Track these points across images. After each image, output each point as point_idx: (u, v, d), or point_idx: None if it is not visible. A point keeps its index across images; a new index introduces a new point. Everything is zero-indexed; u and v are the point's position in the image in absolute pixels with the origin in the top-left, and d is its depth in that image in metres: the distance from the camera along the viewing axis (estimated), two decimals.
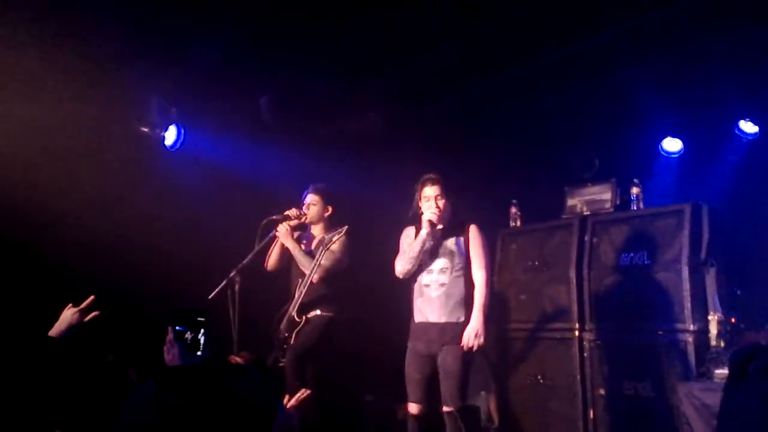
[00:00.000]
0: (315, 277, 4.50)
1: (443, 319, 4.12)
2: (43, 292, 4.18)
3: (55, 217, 4.31)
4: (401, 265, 4.19)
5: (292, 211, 4.65)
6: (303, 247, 4.77)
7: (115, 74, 4.64)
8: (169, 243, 4.76)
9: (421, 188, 4.28)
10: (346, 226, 4.50)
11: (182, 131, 5.23)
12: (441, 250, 4.20)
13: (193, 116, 5.32)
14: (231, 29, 4.69)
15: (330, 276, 4.63)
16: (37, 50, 4.16)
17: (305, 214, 4.70)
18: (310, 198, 4.78)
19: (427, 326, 4.16)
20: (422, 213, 4.21)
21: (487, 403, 5.84)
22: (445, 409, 4.00)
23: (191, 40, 4.75)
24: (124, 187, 4.67)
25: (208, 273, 4.48)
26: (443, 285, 4.15)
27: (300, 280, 4.61)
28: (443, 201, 4.23)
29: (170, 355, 2.16)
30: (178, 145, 5.21)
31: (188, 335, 2.21)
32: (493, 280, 5.83)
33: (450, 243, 4.21)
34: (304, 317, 4.58)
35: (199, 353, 2.20)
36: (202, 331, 2.26)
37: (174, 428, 1.63)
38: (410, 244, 4.22)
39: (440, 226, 4.20)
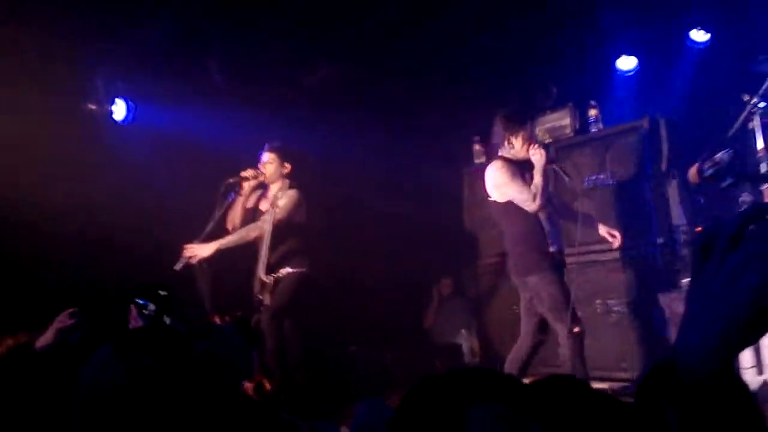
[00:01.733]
0: (270, 235, 4.47)
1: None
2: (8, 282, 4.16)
3: (7, 208, 4.23)
4: (539, 198, 4.09)
5: (249, 172, 4.61)
6: (261, 203, 4.75)
7: (58, 52, 4.54)
8: (131, 219, 4.70)
9: (522, 128, 4.24)
10: (286, 182, 4.53)
11: (132, 105, 5.13)
12: None
13: (144, 88, 5.21)
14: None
15: (284, 232, 4.60)
16: None
17: (263, 173, 4.66)
18: (267, 156, 4.73)
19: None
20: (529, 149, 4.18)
21: (468, 339, 5.95)
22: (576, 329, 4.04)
23: (131, 8, 4.63)
24: (75, 165, 4.57)
25: (175, 245, 4.44)
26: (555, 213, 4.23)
27: (262, 240, 4.60)
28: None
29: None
30: (130, 118, 5.11)
31: (150, 309, 2.21)
32: (464, 218, 5.92)
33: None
34: (273, 276, 4.57)
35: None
36: (164, 304, 2.26)
37: (144, 389, 1.63)
38: (519, 177, 4.15)
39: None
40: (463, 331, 5.89)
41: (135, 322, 2.24)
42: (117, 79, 5.02)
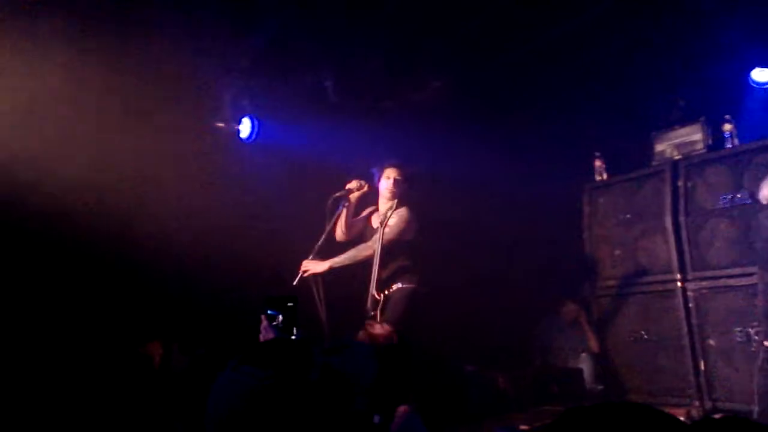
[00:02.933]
0: (381, 253, 4.47)
1: None
2: (129, 294, 4.36)
3: (139, 221, 4.45)
4: None
5: (353, 184, 4.64)
6: (372, 218, 4.76)
7: (186, 73, 4.75)
8: (251, 234, 4.84)
9: None
10: (396, 200, 4.51)
11: (256, 122, 5.30)
12: None
13: (264, 107, 5.38)
14: (287, 14, 4.69)
15: (395, 249, 4.58)
16: (104, 59, 4.27)
17: (367, 184, 4.68)
18: (385, 172, 4.74)
19: None
20: None
21: (590, 364, 5.71)
22: None
23: (251, 28, 4.79)
24: (204, 183, 4.76)
25: (296, 259, 4.52)
26: None
27: (373, 259, 4.61)
28: None
29: (266, 340, 2.18)
30: (254, 136, 5.28)
31: (279, 320, 2.23)
32: (584, 236, 5.70)
33: None
34: (384, 293, 4.56)
35: (293, 336, 2.21)
36: (292, 315, 2.28)
37: (264, 403, 1.63)
38: None
39: None
40: (584, 354, 5.66)
41: (266, 332, 2.26)
42: (243, 97, 5.20)
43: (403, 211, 4.58)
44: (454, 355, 5.60)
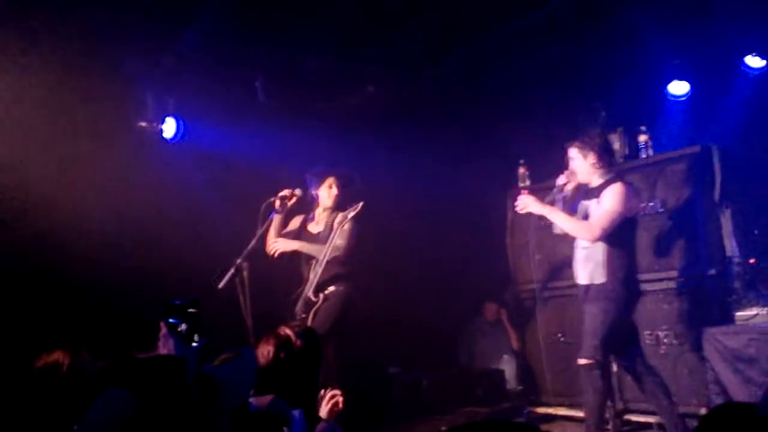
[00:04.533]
0: (329, 257, 4.51)
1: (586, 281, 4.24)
2: (47, 296, 4.25)
3: (56, 221, 4.33)
4: None
5: (286, 192, 4.65)
6: (309, 225, 4.78)
7: (109, 70, 4.65)
8: (175, 236, 4.77)
9: None
10: (361, 203, 4.50)
11: (181, 123, 5.21)
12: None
13: (191, 107, 5.29)
14: (220, 12, 4.64)
15: (344, 255, 4.64)
16: (27, 49, 4.15)
17: (297, 195, 4.70)
18: (326, 181, 4.78)
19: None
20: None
21: (511, 365, 5.85)
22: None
23: (180, 26, 4.72)
24: (125, 184, 4.66)
25: (218, 262, 4.48)
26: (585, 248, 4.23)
27: (313, 261, 4.62)
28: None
29: (166, 349, 2.16)
30: (179, 137, 5.20)
31: (182, 327, 2.21)
32: (506, 242, 5.83)
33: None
34: (321, 295, 4.60)
35: (194, 343, 2.20)
36: (194, 322, 2.26)
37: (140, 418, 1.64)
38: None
39: None
40: (506, 356, 5.79)
41: (165, 340, 2.23)
42: (168, 96, 5.11)
43: (352, 220, 4.60)
44: (378, 357, 5.65)
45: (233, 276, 4.21)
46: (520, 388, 5.69)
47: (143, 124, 5.04)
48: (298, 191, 4.69)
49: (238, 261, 4.23)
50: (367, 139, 5.86)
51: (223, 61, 5.22)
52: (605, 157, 4.29)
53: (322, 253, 4.53)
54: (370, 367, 5.57)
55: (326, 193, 4.79)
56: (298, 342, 2.85)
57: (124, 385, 1.65)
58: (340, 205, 4.77)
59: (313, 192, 4.84)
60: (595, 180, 4.27)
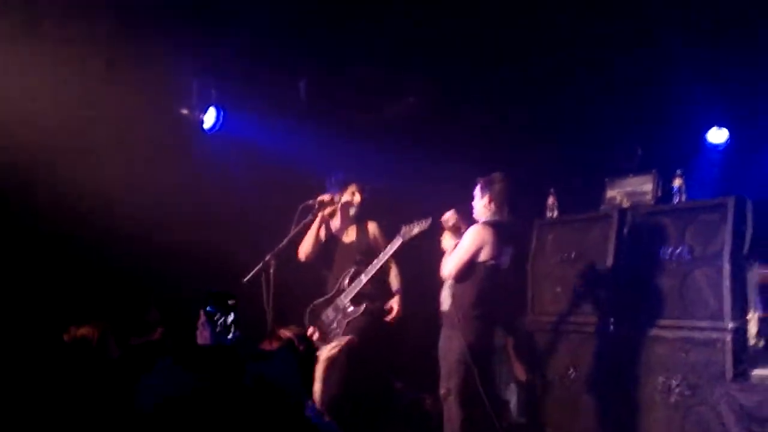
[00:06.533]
0: (378, 268, 4.50)
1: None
2: (84, 277, 4.30)
3: (92, 204, 4.39)
4: None
5: (326, 197, 4.65)
6: (333, 230, 4.78)
7: (155, 57, 4.70)
8: (205, 226, 4.81)
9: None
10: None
11: (221, 113, 5.26)
12: None
13: (232, 99, 5.35)
14: (270, 11, 4.69)
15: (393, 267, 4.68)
16: (74, 35, 4.21)
17: (336, 203, 4.69)
18: (353, 188, 4.78)
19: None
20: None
21: (517, 396, 5.79)
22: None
23: (230, 21, 4.77)
24: (161, 170, 4.71)
25: (244, 256, 4.50)
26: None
27: (351, 268, 4.59)
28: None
29: (202, 336, 2.19)
30: (217, 127, 5.25)
31: (219, 317, 2.23)
32: (527, 269, 5.81)
33: None
34: (361, 307, 4.55)
35: (230, 336, 2.22)
36: (232, 313, 2.28)
37: (199, 404, 1.65)
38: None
39: None
40: (513, 385, 5.75)
41: (202, 329, 2.26)
42: (211, 86, 5.16)
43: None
44: (384, 372, 5.63)
45: (259, 272, 4.23)
46: (523, 419, 5.64)
47: (185, 111, 5.08)
48: (337, 197, 4.67)
49: (267, 258, 4.23)
50: (401, 149, 5.88)
51: (270, 58, 5.27)
52: (498, 201, 4.51)
53: (373, 264, 4.50)
54: (377, 379, 5.55)
55: (350, 199, 4.78)
56: (301, 347, 2.87)
57: (185, 366, 1.66)
58: (363, 213, 4.76)
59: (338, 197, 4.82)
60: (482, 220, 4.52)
